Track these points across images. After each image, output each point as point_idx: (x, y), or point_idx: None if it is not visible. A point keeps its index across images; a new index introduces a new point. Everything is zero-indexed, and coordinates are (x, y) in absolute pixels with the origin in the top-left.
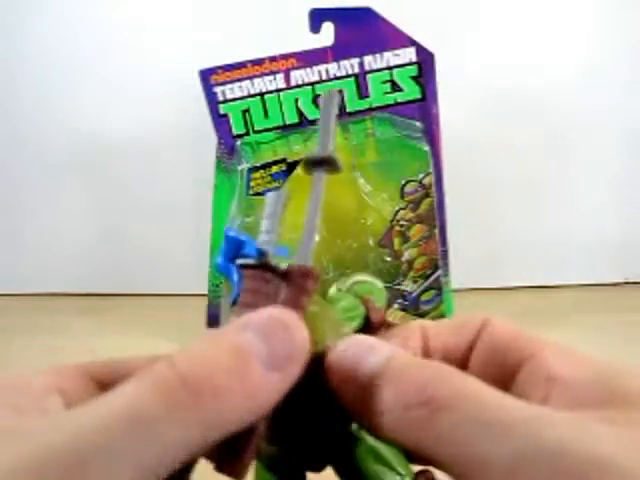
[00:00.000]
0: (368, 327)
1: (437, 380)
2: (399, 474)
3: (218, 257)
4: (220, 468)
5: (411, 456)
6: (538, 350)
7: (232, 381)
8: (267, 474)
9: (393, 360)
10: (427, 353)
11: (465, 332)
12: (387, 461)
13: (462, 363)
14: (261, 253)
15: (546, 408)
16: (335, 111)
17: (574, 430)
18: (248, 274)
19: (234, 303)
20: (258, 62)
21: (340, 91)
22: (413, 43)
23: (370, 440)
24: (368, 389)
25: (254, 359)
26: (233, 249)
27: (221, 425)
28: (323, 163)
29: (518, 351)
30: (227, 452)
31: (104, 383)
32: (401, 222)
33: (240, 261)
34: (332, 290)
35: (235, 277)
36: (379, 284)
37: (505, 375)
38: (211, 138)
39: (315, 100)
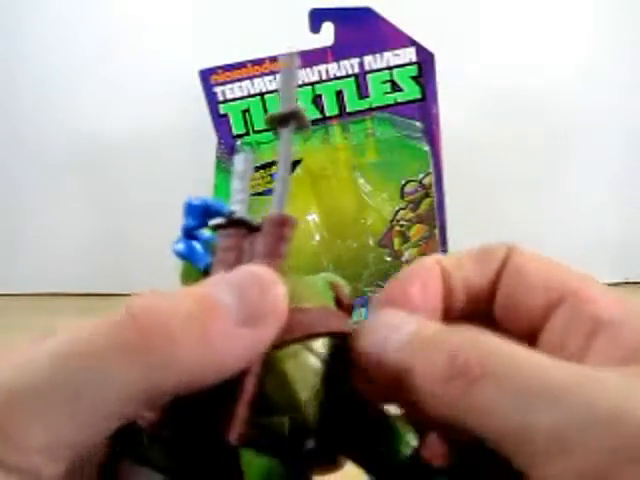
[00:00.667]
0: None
1: (469, 348)
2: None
3: (175, 243)
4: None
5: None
6: (578, 287)
7: (189, 327)
8: (261, 458)
9: (419, 335)
10: (449, 295)
11: (488, 264)
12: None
13: (488, 300)
14: (231, 212)
15: (593, 368)
16: (296, 71)
17: (629, 394)
18: (222, 233)
19: (206, 270)
20: (258, 62)
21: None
22: (413, 43)
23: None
24: (399, 369)
25: (220, 311)
26: (198, 217)
27: (172, 371)
28: (290, 119)
29: (552, 287)
30: (219, 415)
31: None
32: (401, 222)
33: (213, 222)
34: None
35: (200, 248)
36: (344, 282)
37: (536, 315)
38: (211, 138)
39: (315, 100)
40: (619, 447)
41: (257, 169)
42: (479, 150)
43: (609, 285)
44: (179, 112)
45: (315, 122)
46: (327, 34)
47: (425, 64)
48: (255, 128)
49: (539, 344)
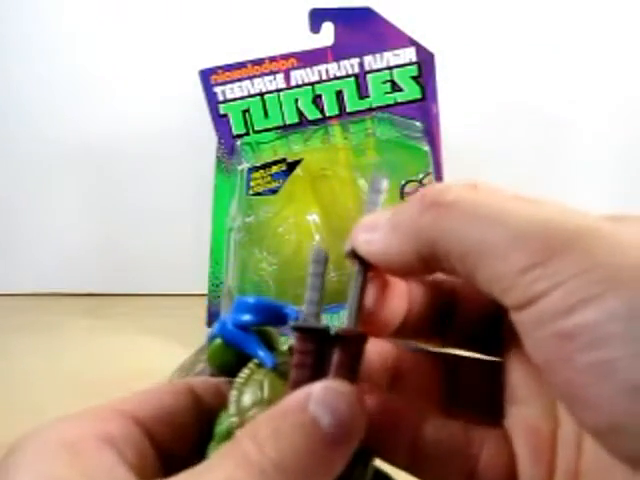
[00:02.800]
0: None
1: (435, 190)
2: None
3: (222, 322)
4: None
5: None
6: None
7: (309, 460)
8: None
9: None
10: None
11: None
12: None
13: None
14: (308, 315)
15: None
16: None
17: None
18: (299, 337)
19: (275, 367)
20: (258, 62)
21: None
22: (413, 43)
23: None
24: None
25: (323, 436)
26: (266, 316)
27: None
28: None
29: None
30: None
31: (147, 427)
32: None
33: (295, 323)
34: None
35: (253, 344)
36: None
37: None
38: (211, 138)
39: (315, 100)
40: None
41: (257, 169)
42: (479, 150)
43: None
44: (179, 112)
45: (315, 122)
46: (327, 34)
47: (425, 64)
48: (255, 128)
49: None
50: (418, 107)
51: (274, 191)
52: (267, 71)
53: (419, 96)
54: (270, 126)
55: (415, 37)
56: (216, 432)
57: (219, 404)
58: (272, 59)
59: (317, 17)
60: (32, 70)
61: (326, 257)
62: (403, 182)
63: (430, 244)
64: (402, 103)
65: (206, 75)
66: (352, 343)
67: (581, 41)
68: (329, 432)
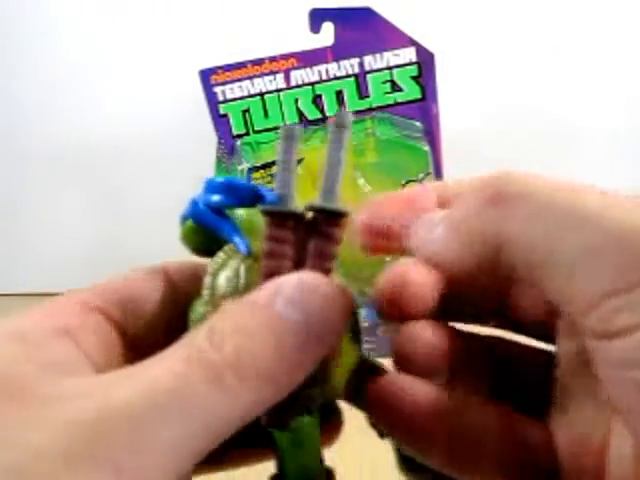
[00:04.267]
0: None
1: (500, 181)
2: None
3: (193, 202)
4: (267, 422)
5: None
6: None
7: (274, 362)
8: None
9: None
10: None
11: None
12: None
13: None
14: (281, 199)
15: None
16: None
17: None
18: (271, 222)
19: (249, 254)
20: (258, 62)
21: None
22: (413, 43)
23: None
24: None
25: (290, 333)
26: (238, 197)
27: (263, 404)
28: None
29: None
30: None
31: (113, 316)
32: None
33: (264, 207)
34: None
35: (227, 227)
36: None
37: None
38: (211, 138)
39: (315, 100)
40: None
41: (257, 169)
42: (479, 150)
43: None
44: (179, 112)
45: (315, 122)
46: (327, 34)
47: (425, 64)
48: (255, 128)
49: None
50: (418, 107)
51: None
52: (267, 71)
53: (419, 96)
54: (270, 126)
55: (415, 37)
56: (190, 320)
57: (195, 289)
58: (272, 59)
59: (317, 17)
60: (33, 70)
61: (298, 133)
62: (403, 182)
63: (494, 249)
64: (402, 103)
65: (206, 75)
66: (330, 226)
67: (582, 41)
68: (298, 332)
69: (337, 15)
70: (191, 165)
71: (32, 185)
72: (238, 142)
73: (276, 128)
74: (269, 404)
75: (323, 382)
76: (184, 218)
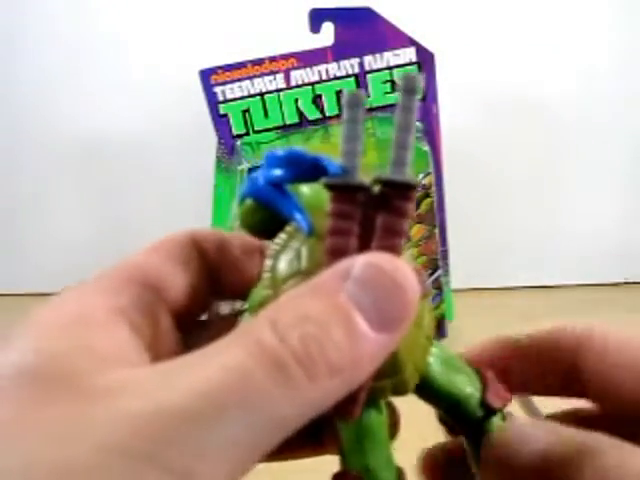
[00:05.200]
0: None
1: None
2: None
3: (252, 179)
4: (334, 412)
5: None
6: None
7: (343, 353)
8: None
9: (549, 451)
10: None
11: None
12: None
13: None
14: (346, 171)
15: None
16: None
17: None
18: (336, 196)
19: (310, 233)
20: (258, 62)
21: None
22: (413, 43)
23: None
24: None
25: (360, 321)
26: (301, 170)
27: (332, 398)
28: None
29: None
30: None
31: (157, 287)
32: None
33: (327, 180)
34: None
35: (288, 205)
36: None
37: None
38: (211, 138)
39: (315, 100)
40: None
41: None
42: (479, 150)
43: (609, 285)
44: (179, 112)
45: (315, 122)
46: (327, 34)
47: (425, 64)
48: (255, 128)
49: None
50: (418, 107)
51: None
52: (267, 71)
53: (419, 96)
54: (270, 126)
55: (415, 37)
56: (249, 305)
57: (224, 259)
58: (272, 59)
59: (317, 17)
60: (33, 71)
61: (363, 99)
62: None
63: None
64: None
65: (206, 75)
66: (400, 199)
67: (582, 41)
68: (369, 319)
69: (337, 15)
70: (191, 165)
71: (33, 185)
72: (238, 142)
73: (276, 128)
74: (338, 398)
75: (394, 374)
76: (242, 197)
